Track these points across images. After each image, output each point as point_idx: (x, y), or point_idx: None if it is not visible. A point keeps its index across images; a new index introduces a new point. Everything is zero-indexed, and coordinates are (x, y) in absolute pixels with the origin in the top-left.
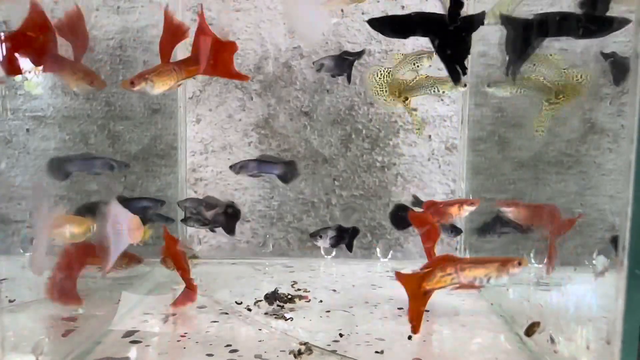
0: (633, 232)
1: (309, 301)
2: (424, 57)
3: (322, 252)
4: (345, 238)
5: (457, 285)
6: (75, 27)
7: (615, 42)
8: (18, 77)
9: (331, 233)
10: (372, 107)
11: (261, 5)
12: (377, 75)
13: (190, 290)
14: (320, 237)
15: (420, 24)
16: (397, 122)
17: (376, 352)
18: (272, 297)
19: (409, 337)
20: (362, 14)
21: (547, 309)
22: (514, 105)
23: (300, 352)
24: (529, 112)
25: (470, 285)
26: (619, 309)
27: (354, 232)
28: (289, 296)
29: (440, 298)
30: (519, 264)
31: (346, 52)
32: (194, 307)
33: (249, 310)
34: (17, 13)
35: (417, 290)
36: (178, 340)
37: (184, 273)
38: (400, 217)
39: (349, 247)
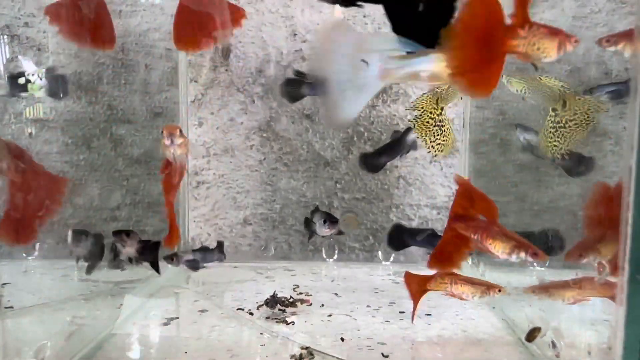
0: (634, 237)
1: (310, 305)
2: None
3: (324, 255)
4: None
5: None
6: None
7: None
8: (21, 80)
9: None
10: (374, 109)
11: (263, 8)
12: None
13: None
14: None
15: None
16: (399, 124)
17: (382, 354)
18: (272, 301)
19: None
20: (364, 16)
21: (549, 314)
22: (516, 108)
23: (301, 357)
24: (530, 115)
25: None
26: (621, 314)
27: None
28: (291, 300)
29: (440, 302)
30: (499, 291)
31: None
32: (195, 311)
33: (251, 314)
34: None
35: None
36: (180, 345)
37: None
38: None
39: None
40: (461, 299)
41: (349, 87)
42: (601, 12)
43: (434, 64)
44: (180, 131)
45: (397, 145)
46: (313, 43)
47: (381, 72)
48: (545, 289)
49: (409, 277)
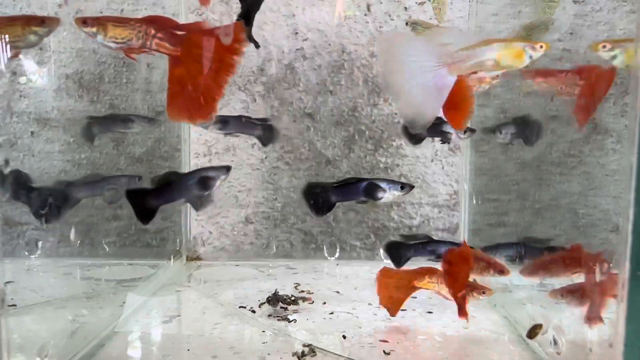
0: (635, 234)
1: (312, 303)
2: None
3: (326, 253)
4: None
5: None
6: None
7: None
8: (23, 79)
9: None
10: (375, 108)
11: (264, 7)
12: None
13: None
14: None
15: None
16: (401, 122)
17: (384, 352)
18: (273, 299)
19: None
20: (365, 15)
21: (550, 311)
22: (517, 107)
23: (303, 354)
24: (532, 110)
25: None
26: (621, 312)
27: None
28: (292, 298)
29: (442, 300)
30: (484, 292)
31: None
32: (197, 310)
33: (253, 312)
34: None
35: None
36: (182, 343)
37: None
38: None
39: None
40: (447, 299)
41: (425, 91)
42: (602, 10)
43: (496, 52)
44: None
45: (435, 127)
46: (380, 60)
47: (450, 67)
48: (572, 291)
49: (386, 272)
